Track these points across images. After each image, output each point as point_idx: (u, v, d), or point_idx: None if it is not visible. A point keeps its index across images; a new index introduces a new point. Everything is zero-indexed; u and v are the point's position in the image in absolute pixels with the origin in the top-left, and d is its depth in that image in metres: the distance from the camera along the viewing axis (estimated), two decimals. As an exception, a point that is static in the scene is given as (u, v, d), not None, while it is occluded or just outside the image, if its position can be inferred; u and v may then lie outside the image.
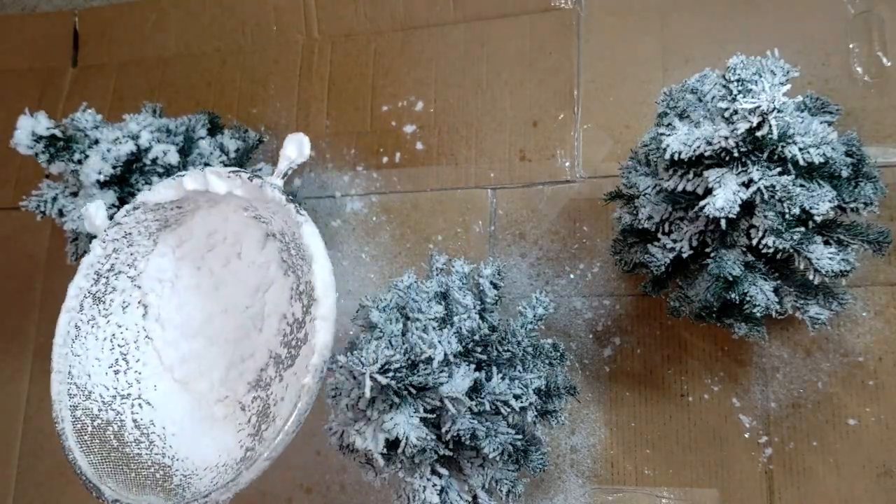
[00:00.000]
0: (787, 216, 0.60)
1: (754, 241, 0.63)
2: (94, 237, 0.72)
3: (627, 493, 0.80)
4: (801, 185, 0.60)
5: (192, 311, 0.73)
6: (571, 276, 0.88)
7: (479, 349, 0.65)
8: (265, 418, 0.67)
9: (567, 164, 0.91)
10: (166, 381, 0.72)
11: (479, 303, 0.67)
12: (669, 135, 0.62)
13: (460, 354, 0.63)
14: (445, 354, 0.61)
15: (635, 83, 0.91)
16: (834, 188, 0.61)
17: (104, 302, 0.71)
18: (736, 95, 0.57)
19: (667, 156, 0.62)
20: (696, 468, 0.78)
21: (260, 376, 0.71)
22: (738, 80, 0.57)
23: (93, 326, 0.70)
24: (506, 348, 0.66)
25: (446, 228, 0.93)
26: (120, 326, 0.72)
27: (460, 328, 0.63)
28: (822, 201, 0.59)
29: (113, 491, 0.60)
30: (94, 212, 0.71)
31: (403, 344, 0.60)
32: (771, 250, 0.62)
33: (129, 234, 0.71)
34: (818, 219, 0.60)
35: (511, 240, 0.91)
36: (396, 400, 0.58)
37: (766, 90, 0.56)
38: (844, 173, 0.62)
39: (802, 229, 0.61)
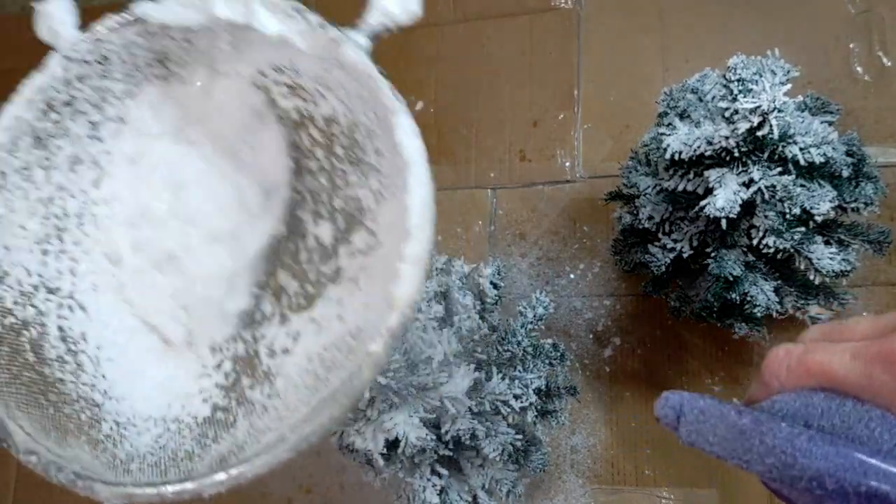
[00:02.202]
0: (787, 216, 0.60)
1: (755, 241, 0.62)
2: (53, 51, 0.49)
3: (627, 493, 0.80)
4: (802, 185, 0.60)
5: (162, 199, 0.53)
6: (571, 276, 0.88)
7: (478, 349, 0.65)
8: (250, 370, 0.48)
9: (567, 164, 0.91)
10: (110, 283, 0.52)
11: (479, 303, 0.67)
12: (670, 135, 0.62)
13: (460, 354, 0.63)
14: (445, 354, 0.61)
15: (635, 83, 0.91)
16: (834, 188, 0.61)
17: (48, 148, 0.49)
18: (736, 95, 0.57)
19: (667, 156, 0.62)
20: (695, 468, 0.78)
21: (247, 311, 0.52)
22: (738, 80, 0.57)
23: (25, 179, 0.48)
24: (506, 348, 0.66)
25: (446, 228, 0.93)
26: (62, 189, 0.50)
27: (460, 328, 0.63)
28: (822, 201, 0.59)
29: (27, 435, 0.40)
30: (59, 13, 0.48)
31: (403, 344, 0.60)
32: (771, 250, 0.61)
33: (108, 59, 0.49)
34: (819, 219, 0.60)
35: (511, 240, 0.91)
36: (396, 400, 0.58)
37: (767, 90, 0.56)
38: (845, 173, 0.62)
39: (803, 229, 0.61)
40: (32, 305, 0.49)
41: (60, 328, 0.49)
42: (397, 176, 0.41)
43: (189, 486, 0.38)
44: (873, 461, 0.22)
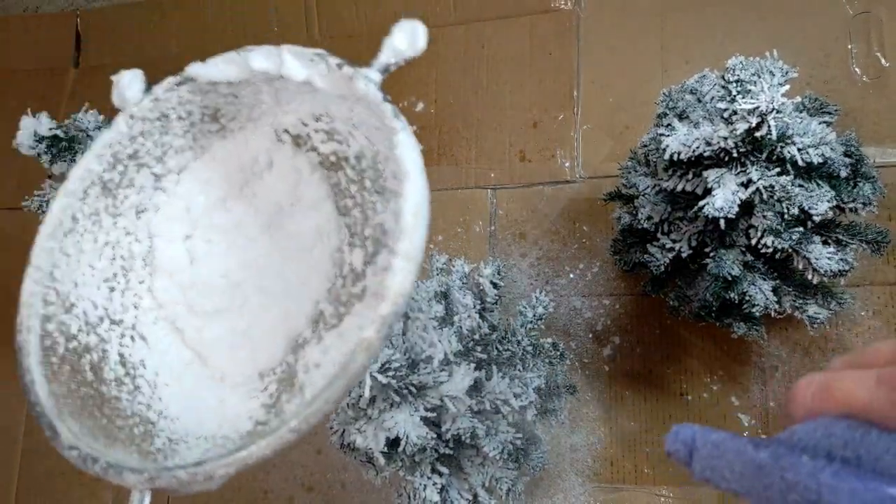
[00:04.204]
0: (785, 216, 0.60)
1: (753, 241, 0.63)
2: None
3: (627, 492, 0.80)
4: (800, 186, 0.60)
5: (215, 244, 0.60)
6: (571, 275, 0.88)
7: (479, 348, 0.65)
8: (289, 387, 0.54)
9: (567, 164, 0.92)
10: (169, 319, 0.58)
11: (479, 302, 0.67)
12: (669, 135, 0.63)
13: (460, 353, 0.63)
14: (445, 353, 0.61)
15: (635, 83, 0.92)
16: (832, 188, 0.62)
17: (115, 197, 0.55)
18: (735, 96, 0.57)
19: (666, 156, 0.62)
20: (695, 467, 0.79)
21: (294, 339, 0.58)
22: (737, 81, 0.58)
23: (94, 223, 0.54)
24: (506, 347, 0.66)
25: (446, 228, 0.94)
26: (129, 234, 0.56)
27: (460, 327, 0.64)
28: (820, 201, 0.60)
29: (72, 434, 0.45)
30: (128, 81, 0.56)
31: (404, 343, 0.60)
32: (770, 250, 0.62)
33: (167, 116, 0.56)
34: (817, 219, 0.61)
35: (511, 240, 0.92)
36: (397, 399, 0.59)
37: (765, 91, 0.56)
38: (843, 173, 0.62)
39: (801, 229, 0.62)
40: (96, 334, 0.54)
41: (121, 354, 0.55)
42: (401, 188, 0.46)
43: (226, 461, 0.41)
44: None
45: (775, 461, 0.24)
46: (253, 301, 0.60)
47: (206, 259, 0.60)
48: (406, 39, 0.53)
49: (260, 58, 0.53)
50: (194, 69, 0.55)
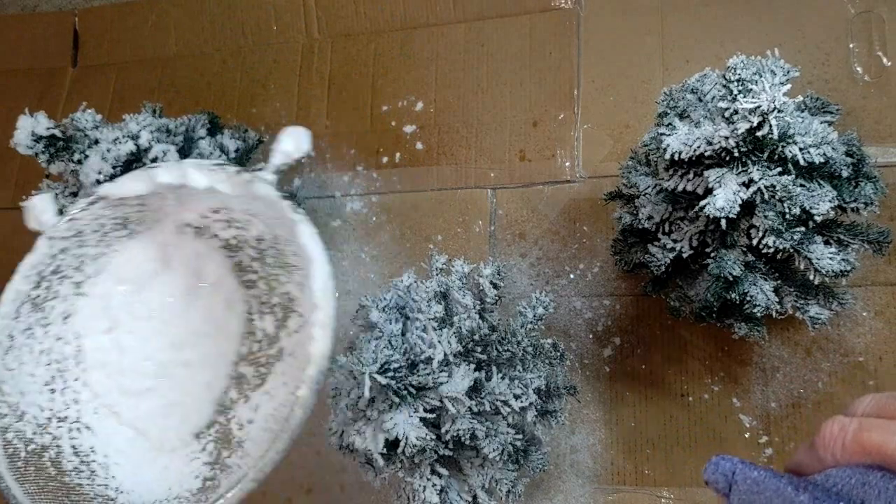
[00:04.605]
0: (787, 216, 0.60)
1: (754, 241, 0.62)
2: (38, 234, 0.62)
3: (627, 493, 0.80)
4: (802, 185, 0.60)
5: (137, 333, 0.66)
6: (571, 276, 0.88)
7: (478, 349, 0.65)
8: (226, 444, 0.61)
9: (567, 164, 0.91)
10: (106, 406, 0.64)
11: (478, 303, 0.67)
12: (669, 135, 0.62)
13: (460, 354, 0.63)
14: (445, 354, 0.61)
15: (635, 83, 0.91)
16: (834, 188, 0.61)
17: (43, 310, 0.62)
18: (736, 95, 0.57)
19: (667, 156, 0.62)
20: (696, 468, 0.78)
21: (219, 401, 0.64)
22: (738, 80, 0.57)
23: (29, 337, 0.61)
24: (506, 348, 0.66)
25: (446, 228, 0.93)
26: (59, 339, 0.63)
27: (460, 328, 0.63)
28: (822, 201, 0.59)
29: None
30: (42, 205, 0.60)
31: (403, 344, 0.60)
32: (771, 250, 0.62)
33: (82, 232, 0.61)
34: (818, 219, 0.60)
35: (511, 240, 0.91)
36: (396, 400, 0.58)
37: (767, 90, 0.56)
38: (845, 173, 0.62)
39: (803, 229, 0.61)
40: (48, 433, 0.61)
41: (73, 446, 0.62)
42: (307, 268, 0.55)
43: None
44: None
45: None
46: (178, 374, 0.67)
47: (132, 347, 0.67)
48: (293, 143, 0.62)
49: (164, 172, 0.62)
50: (105, 188, 0.62)
